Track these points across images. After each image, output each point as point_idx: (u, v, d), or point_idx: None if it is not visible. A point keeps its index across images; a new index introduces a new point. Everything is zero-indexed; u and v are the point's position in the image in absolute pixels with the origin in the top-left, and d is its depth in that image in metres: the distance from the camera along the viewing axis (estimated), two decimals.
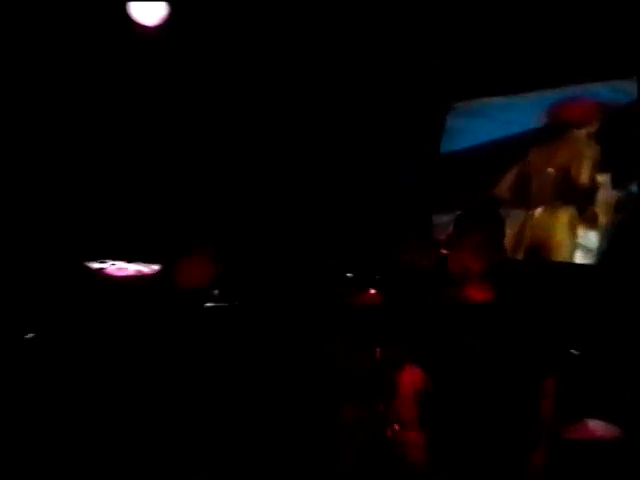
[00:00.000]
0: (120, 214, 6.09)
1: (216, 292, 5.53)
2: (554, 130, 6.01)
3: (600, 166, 5.77)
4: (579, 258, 5.89)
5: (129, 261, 5.38)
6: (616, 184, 5.63)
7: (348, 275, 5.61)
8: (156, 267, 5.44)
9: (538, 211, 6.00)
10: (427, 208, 6.26)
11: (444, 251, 4.12)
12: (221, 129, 6.42)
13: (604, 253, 5.70)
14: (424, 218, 6.27)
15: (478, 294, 3.74)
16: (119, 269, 5.34)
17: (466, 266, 3.72)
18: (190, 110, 6.22)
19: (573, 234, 5.83)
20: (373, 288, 5.42)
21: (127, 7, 5.69)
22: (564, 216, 5.90)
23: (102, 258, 5.31)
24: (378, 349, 5.31)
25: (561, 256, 5.96)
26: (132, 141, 6.09)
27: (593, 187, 5.82)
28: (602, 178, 5.76)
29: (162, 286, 5.35)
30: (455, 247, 3.78)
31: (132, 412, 4.94)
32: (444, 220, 5.94)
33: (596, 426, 4.56)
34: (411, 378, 3.78)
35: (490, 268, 3.71)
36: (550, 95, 6.02)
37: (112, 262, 5.35)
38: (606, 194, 5.73)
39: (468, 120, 6.37)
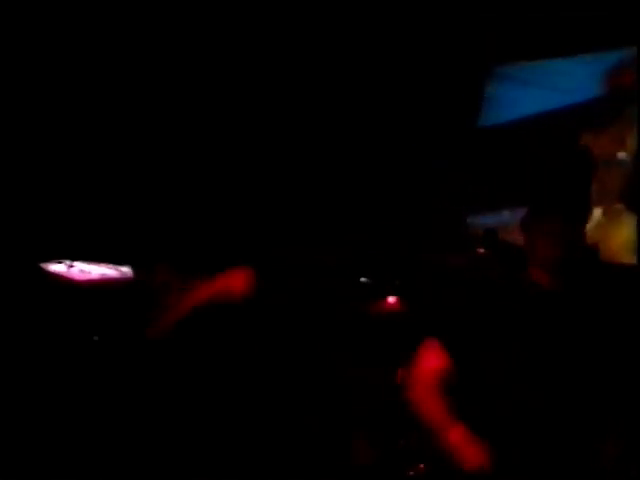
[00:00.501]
0: (83, 206, 5.24)
1: None
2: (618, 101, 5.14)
3: None
4: None
5: (93, 262, 4.62)
6: None
7: (362, 279, 4.70)
8: (127, 270, 4.56)
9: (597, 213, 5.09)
10: (462, 197, 5.35)
11: (482, 250, 4.09)
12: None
13: None
14: (458, 209, 5.35)
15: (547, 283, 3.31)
16: (80, 271, 4.56)
17: (544, 257, 3.28)
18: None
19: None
20: (393, 295, 4.65)
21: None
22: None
23: (59, 258, 4.57)
24: (399, 371, 4.32)
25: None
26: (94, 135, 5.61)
27: None
28: None
29: (135, 293, 4.49)
30: (532, 230, 3.31)
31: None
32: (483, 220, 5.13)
33: None
34: (433, 361, 3.30)
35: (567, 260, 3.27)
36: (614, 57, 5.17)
37: (72, 263, 4.58)
38: None
39: (512, 88, 5.49)
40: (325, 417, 4.55)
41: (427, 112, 5.46)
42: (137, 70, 5.68)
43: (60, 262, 4.55)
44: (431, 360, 3.35)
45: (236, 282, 4.33)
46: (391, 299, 4.63)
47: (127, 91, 5.66)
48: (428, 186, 5.37)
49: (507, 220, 5.04)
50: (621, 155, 5.21)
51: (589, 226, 3.92)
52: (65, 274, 4.52)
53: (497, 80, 5.57)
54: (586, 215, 3.33)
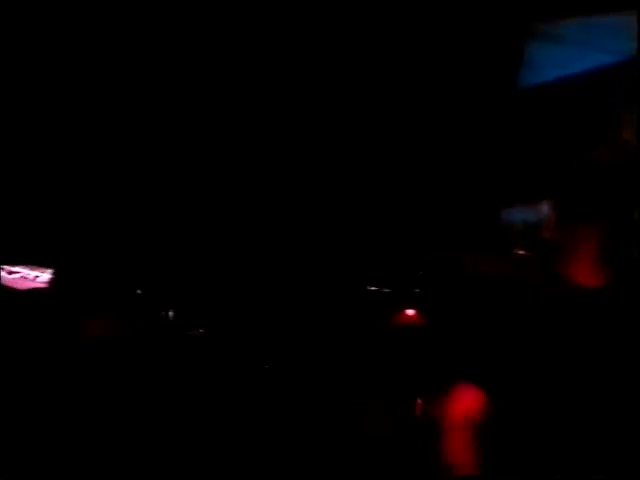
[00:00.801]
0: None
1: (170, 314, 3.81)
2: None
3: None
4: None
5: (36, 267, 3.90)
6: None
7: (374, 288, 3.98)
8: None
9: None
10: (497, 184, 4.61)
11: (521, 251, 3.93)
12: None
13: None
14: (492, 200, 4.62)
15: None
16: (24, 278, 3.86)
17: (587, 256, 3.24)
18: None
19: None
20: (411, 306, 4.00)
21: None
22: None
23: None
24: (419, 401, 3.82)
25: None
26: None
27: None
28: None
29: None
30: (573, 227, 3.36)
31: None
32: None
33: None
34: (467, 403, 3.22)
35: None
36: None
37: (9, 268, 3.87)
38: None
39: (553, 48, 4.92)
40: (327, 461, 3.81)
41: (455, 79, 4.82)
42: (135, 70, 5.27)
43: None
44: (465, 404, 3.27)
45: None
46: (409, 311, 3.98)
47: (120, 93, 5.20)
48: (455, 168, 4.65)
49: (549, 215, 4.42)
50: None
51: None
52: (5, 281, 3.78)
53: (537, 40, 5.02)
54: (632, 211, 3.31)
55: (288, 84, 5.35)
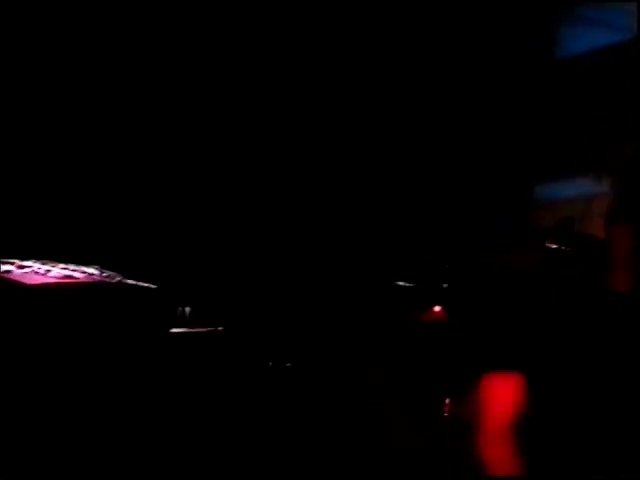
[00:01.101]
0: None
1: (187, 310, 3.64)
2: None
3: None
4: None
5: (51, 262, 3.72)
6: None
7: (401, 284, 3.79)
8: (94, 271, 3.63)
9: None
10: (530, 161, 4.44)
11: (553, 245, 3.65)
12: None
13: None
14: (522, 187, 4.44)
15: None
16: (34, 273, 3.64)
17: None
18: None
19: None
20: (439, 303, 3.77)
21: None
22: None
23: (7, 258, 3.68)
24: (447, 401, 3.60)
25: None
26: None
27: None
28: None
29: (104, 299, 3.59)
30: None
31: None
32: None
33: None
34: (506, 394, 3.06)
35: None
36: None
37: (20, 263, 3.67)
38: None
39: (583, 28, 4.71)
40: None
41: (487, 57, 4.65)
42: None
43: (6, 262, 3.61)
44: (502, 398, 3.13)
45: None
46: (437, 308, 3.78)
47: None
48: (481, 150, 4.46)
49: (588, 192, 4.18)
50: None
51: None
52: (13, 276, 3.58)
53: (567, 20, 4.84)
54: None
55: (289, 85, 5.23)
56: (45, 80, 5.00)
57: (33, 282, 3.56)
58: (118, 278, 3.66)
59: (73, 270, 3.66)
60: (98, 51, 5.14)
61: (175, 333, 3.59)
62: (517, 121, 4.50)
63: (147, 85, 5.14)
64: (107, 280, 3.64)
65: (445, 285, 3.79)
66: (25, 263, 3.66)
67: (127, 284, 3.63)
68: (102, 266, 3.72)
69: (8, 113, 4.75)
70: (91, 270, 3.68)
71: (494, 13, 4.76)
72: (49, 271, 3.64)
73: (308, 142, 4.94)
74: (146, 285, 3.64)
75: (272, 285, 3.92)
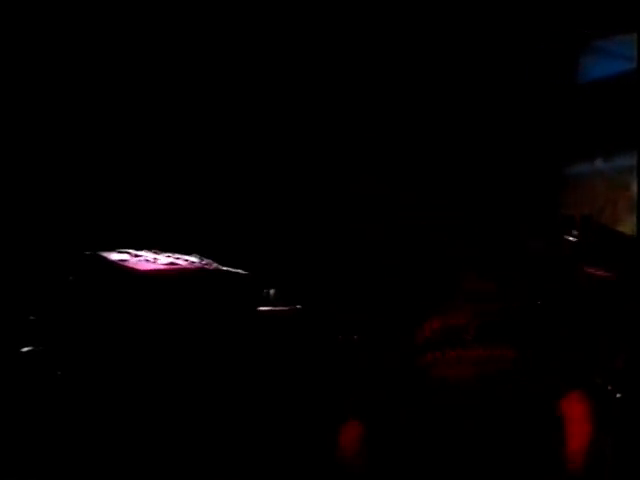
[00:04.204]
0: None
1: (272, 292, 4.28)
2: None
3: None
4: None
5: (157, 251, 4.32)
6: None
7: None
8: (195, 259, 4.27)
9: None
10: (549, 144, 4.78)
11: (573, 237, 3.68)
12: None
13: None
14: (547, 179, 4.80)
15: None
16: (146, 260, 4.24)
17: None
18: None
19: None
20: None
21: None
22: None
23: (122, 247, 4.28)
24: None
25: None
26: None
27: None
28: None
29: (206, 284, 4.18)
30: None
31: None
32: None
33: None
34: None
35: None
36: None
37: (135, 252, 4.28)
38: None
39: (605, 61, 5.05)
40: None
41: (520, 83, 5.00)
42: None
43: (124, 251, 4.24)
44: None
45: None
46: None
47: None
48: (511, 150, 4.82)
49: (601, 168, 4.50)
50: None
51: None
52: (129, 263, 4.19)
53: (590, 53, 5.15)
54: None
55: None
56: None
57: (145, 268, 4.17)
58: (215, 265, 4.31)
59: (177, 258, 4.30)
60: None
61: (262, 311, 4.25)
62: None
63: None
64: (206, 266, 4.28)
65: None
66: (138, 252, 4.32)
67: (222, 270, 4.29)
68: (200, 255, 4.36)
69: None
70: (192, 258, 4.33)
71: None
72: (157, 259, 4.28)
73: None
74: (238, 270, 4.30)
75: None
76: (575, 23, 5.06)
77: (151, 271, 4.19)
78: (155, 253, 4.30)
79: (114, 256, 4.21)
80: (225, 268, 4.28)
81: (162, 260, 4.28)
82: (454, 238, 3.84)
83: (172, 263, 4.26)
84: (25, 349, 4.06)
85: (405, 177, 5.11)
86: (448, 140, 5.12)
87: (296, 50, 5.53)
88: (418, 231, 4.19)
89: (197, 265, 4.26)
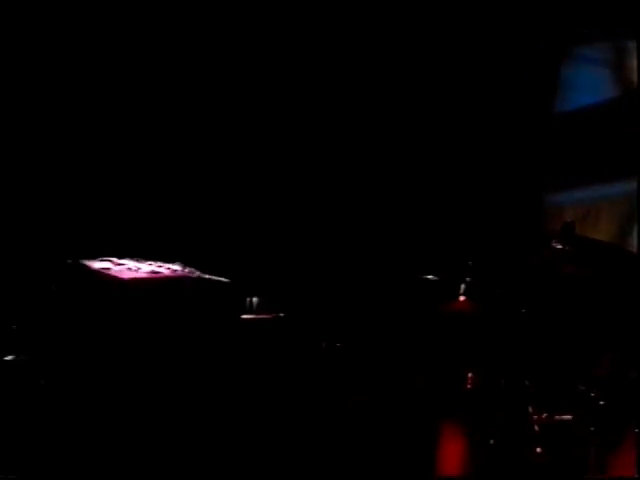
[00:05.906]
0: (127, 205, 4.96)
1: (255, 300, 4.28)
2: None
3: None
4: None
5: (140, 260, 4.34)
6: None
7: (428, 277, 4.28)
8: (178, 267, 4.28)
9: None
10: (537, 183, 4.85)
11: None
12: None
13: None
14: (534, 197, 4.86)
15: None
16: (128, 269, 4.26)
17: None
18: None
19: None
20: (462, 294, 4.19)
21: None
22: None
23: (104, 256, 4.29)
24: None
25: None
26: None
27: None
28: None
29: (188, 292, 4.21)
30: None
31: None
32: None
33: None
34: None
35: None
36: None
37: (117, 261, 4.29)
38: None
39: (591, 70, 4.94)
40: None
41: (503, 98, 5.01)
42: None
43: (107, 260, 4.25)
44: None
45: None
46: (461, 298, 4.19)
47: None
48: (500, 168, 4.87)
49: (600, 195, 4.49)
50: None
51: None
52: (112, 272, 4.21)
53: (575, 62, 5.06)
54: None
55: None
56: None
57: (128, 277, 4.18)
58: (197, 273, 4.32)
59: (159, 266, 4.31)
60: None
61: (244, 319, 4.26)
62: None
63: None
64: (189, 275, 4.29)
65: (468, 279, 4.24)
66: (120, 261, 4.32)
67: (205, 278, 4.29)
68: (183, 263, 4.37)
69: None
70: (175, 266, 4.33)
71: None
72: (139, 268, 4.29)
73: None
74: (220, 279, 4.30)
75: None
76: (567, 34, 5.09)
77: (133, 279, 4.21)
78: (137, 261, 4.30)
79: (96, 265, 4.22)
80: (208, 276, 4.28)
81: (144, 268, 4.29)
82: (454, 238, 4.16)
83: (154, 272, 4.28)
84: (8, 358, 4.04)
85: (397, 181, 5.14)
86: (448, 140, 5.16)
87: (296, 50, 5.51)
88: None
89: (180, 273, 4.28)
